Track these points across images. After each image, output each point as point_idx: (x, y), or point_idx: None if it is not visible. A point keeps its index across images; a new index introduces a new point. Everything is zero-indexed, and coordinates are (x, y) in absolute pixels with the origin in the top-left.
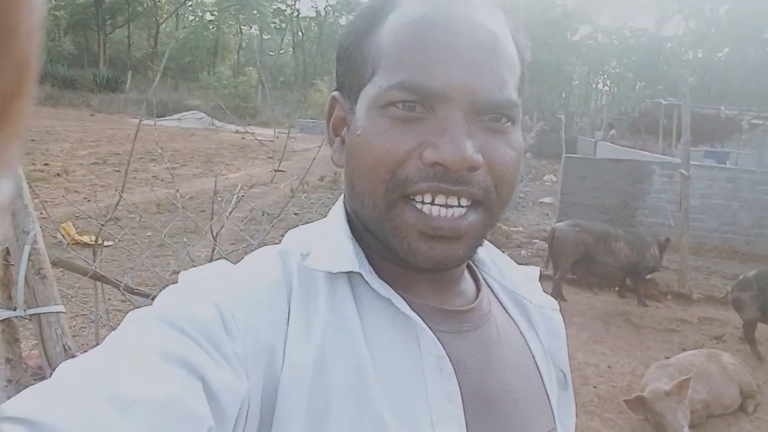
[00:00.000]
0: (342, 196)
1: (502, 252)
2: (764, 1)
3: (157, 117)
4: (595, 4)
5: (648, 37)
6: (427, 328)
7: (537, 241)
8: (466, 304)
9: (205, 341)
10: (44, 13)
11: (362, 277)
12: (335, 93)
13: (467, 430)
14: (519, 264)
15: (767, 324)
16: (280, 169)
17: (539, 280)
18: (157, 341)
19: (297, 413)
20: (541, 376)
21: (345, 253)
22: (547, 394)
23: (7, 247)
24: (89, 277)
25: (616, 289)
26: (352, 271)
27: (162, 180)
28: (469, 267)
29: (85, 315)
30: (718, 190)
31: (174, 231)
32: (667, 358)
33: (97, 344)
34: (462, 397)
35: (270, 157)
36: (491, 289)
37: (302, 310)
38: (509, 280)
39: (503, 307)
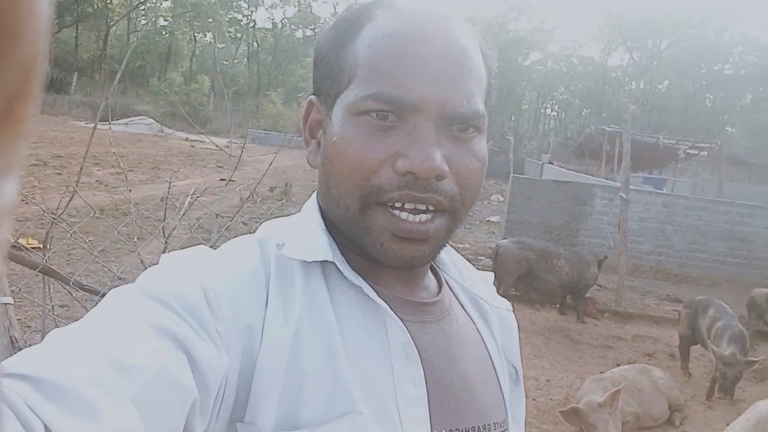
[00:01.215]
0: (315, 193)
1: None
2: (702, 37)
3: (104, 121)
4: (546, 32)
5: (594, 66)
6: (394, 315)
7: (483, 258)
8: (430, 298)
9: (191, 318)
10: (50, 16)
11: (335, 267)
12: (312, 97)
13: (430, 413)
14: None
15: (701, 346)
16: (230, 178)
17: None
18: (146, 314)
19: (273, 390)
20: (495, 370)
21: (319, 244)
22: (501, 387)
23: None
24: (39, 272)
25: (557, 306)
26: (325, 261)
27: (106, 185)
28: (431, 267)
29: (22, 318)
30: (654, 214)
31: (118, 238)
32: (602, 372)
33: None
34: (425, 382)
35: (220, 166)
36: (451, 288)
37: (279, 295)
38: (468, 281)
39: (461, 305)
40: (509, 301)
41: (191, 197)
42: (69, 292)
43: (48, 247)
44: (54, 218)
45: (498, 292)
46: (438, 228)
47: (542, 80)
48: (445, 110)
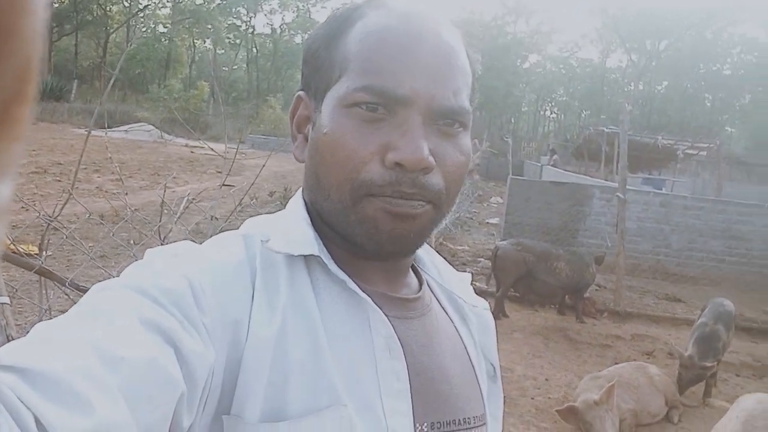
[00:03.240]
0: (300, 189)
1: None
2: (701, 38)
3: (102, 127)
4: (544, 34)
5: (593, 68)
6: (378, 309)
7: (482, 259)
8: (411, 294)
9: (177, 311)
10: (46, 18)
11: (318, 262)
12: (300, 92)
13: (412, 405)
14: None
15: None
16: (228, 183)
17: (483, 294)
18: (132, 308)
19: (258, 384)
20: (473, 366)
21: (305, 238)
22: (478, 383)
23: None
24: (35, 272)
25: (556, 306)
26: (310, 256)
27: (106, 191)
28: (412, 267)
29: (21, 323)
30: (652, 214)
31: (117, 243)
32: (600, 371)
33: None
34: (408, 376)
35: (219, 172)
36: (430, 287)
37: (265, 289)
38: (446, 280)
39: (440, 303)
40: (509, 302)
41: (187, 200)
42: (68, 295)
43: (45, 250)
44: (50, 221)
45: (497, 293)
46: (425, 211)
47: (541, 82)
48: (432, 104)
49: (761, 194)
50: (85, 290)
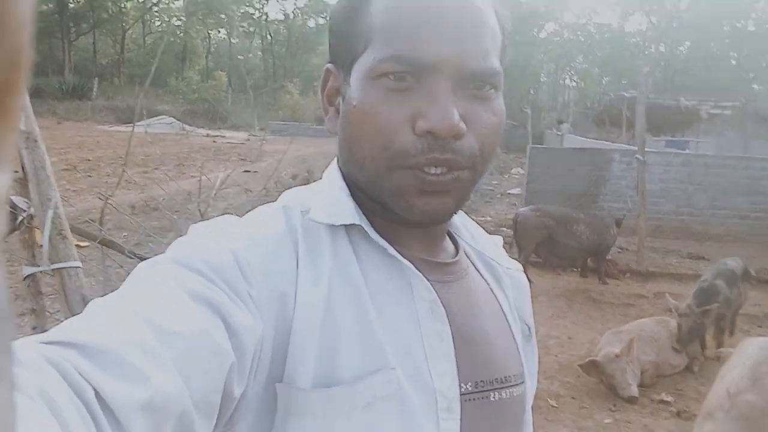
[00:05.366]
0: (335, 160)
1: None
2: None
3: (125, 123)
4: (560, 1)
5: (612, 33)
6: (420, 274)
7: (504, 229)
8: (449, 259)
9: (224, 284)
10: (35, 5)
11: (358, 230)
12: (329, 65)
13: (457, 366)
14: None
15: None
16: (252, 170)
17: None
18: (181, 282)
19: (309, 351)
20: (510, 327)
21: (346, 208)
22: (516, 343)
23: (30, 213)
24: (99, 243)
25: (578, 269)
26: (351, 225)
27: (135, 183)
28: (447, 232)
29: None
30: (674, 175)
31: (152, 231)
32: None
33: None
34: (451, 338)
35: (242, 159)
36: (465, 251)
37: (309, 258)
38: (480, 244)
39: (475, 266)
40: (532, 267)
41: (221, 178)
42: (122, 267)
43: (103, 224)
44: (107, 198)
45: (519, 259)
46: (459, 179)
47: (559, 51)
48: (461, 69)
49: None
50: (142, 258)
